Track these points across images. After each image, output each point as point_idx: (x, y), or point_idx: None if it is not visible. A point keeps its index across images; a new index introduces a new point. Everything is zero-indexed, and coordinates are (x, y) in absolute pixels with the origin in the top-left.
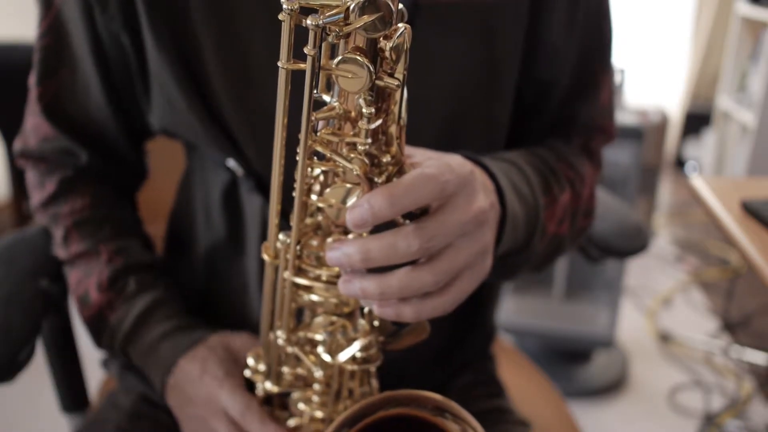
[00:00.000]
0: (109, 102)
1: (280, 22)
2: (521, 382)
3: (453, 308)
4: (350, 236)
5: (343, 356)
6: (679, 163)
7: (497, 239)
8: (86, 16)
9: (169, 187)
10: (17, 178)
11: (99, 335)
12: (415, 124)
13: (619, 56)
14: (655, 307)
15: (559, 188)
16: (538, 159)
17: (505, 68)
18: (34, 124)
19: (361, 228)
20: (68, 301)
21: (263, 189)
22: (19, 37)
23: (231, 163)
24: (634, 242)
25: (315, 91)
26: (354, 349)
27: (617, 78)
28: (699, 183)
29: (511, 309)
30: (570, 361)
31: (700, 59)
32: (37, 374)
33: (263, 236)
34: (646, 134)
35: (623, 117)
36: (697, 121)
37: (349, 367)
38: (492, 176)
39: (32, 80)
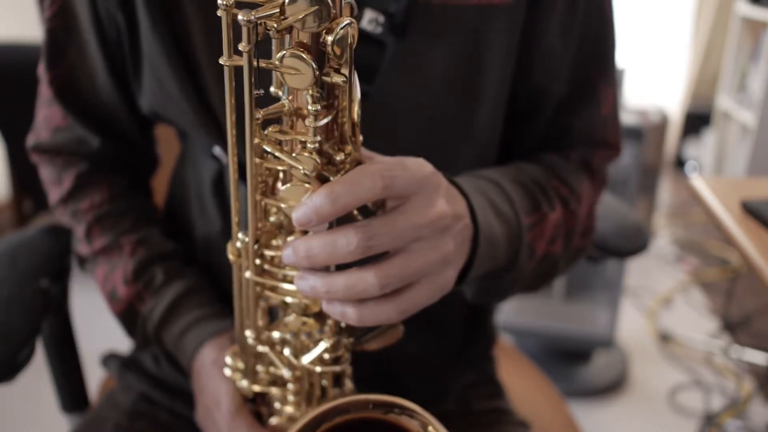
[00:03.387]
0: (114, 82)
1: None
2: (521, 382)
3: (401, 318)
4: (293, 220)
5: (307, 358)
6: (679, 163)
7: (471, 258)
8: None
9: (166, 177)
10: (17, 178)
11: (132, 328)
12: (397, 125)
13: (619, 56)
14: (655, 307)
15: (549, 206)
16: (526, 175)
17: (494, 73)
18: (46, 116)
19: (306, 227)
20: (68, 301)
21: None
22: (19, 37)
23: (217, 150)
24: (634, 242)
25: (260, 90)
26: (318, 350)
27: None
28: (699, 183)
29: (511, 309)
30: (570, 361)
31: (700, 59)
32: (37, 374)
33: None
34: (646, 134)
35: (623, 117)
36: (697, 121)
37: (317, 368)
38: (463, 194)
39: (41, 68)
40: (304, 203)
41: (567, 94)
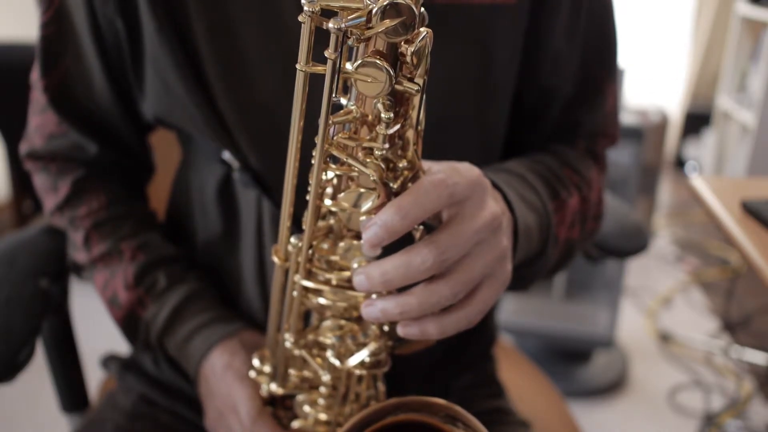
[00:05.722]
0: (111, 88)
1: (270, 15)
2: (521, 382)
3: (479, 319)
4: (363, 241)
5: (353, 361)
6: (679, 163)
7: (513, 249)
8: (87, 1)
9: (165, 182)
10: (17, 178)
11: (134, 334)
12: None
13: (620, 56)
14: (655, 307)
15: (567, 193)
16: (542, 166)
17: (502, 73)
18: (39, 123)
19: (378, 246)
20: (68, 301)
21: (259, 183)
22: (19, 37)
23: (226, 155)
24: (634, 242)
25: (334, 95)
26: (364, 353)
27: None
28: (699, 183)
29: (511, 309)
30: (570, 361)
31: (700, 59)
32: (37, 374)
33: (259, 230)
34: (646, 134)
35: (623, 117)
36: (697, 121)
37: (358, 371)
38: (498, 188)
39: (35, 75)
40: (373, 224)
41: (574, 93)
